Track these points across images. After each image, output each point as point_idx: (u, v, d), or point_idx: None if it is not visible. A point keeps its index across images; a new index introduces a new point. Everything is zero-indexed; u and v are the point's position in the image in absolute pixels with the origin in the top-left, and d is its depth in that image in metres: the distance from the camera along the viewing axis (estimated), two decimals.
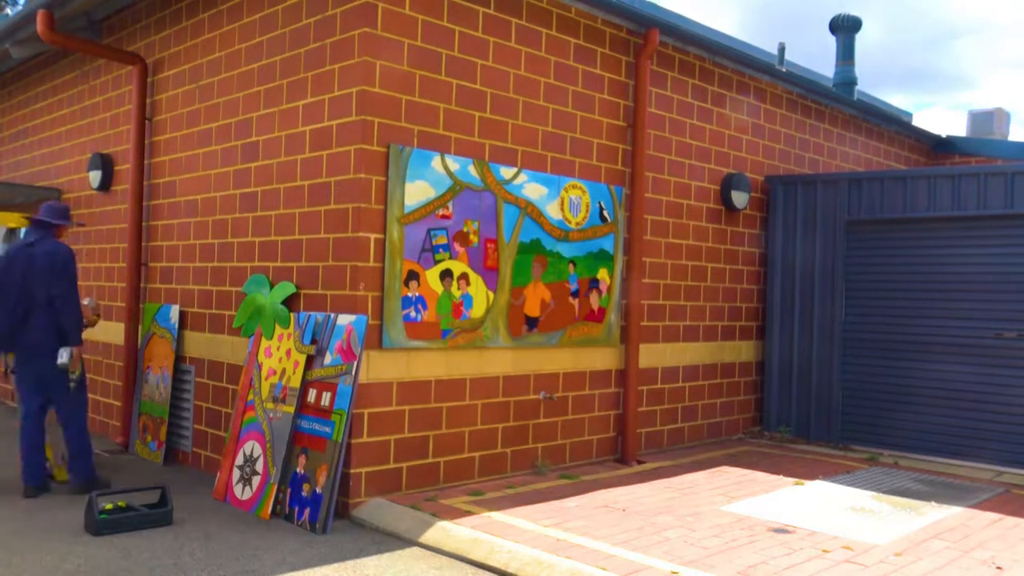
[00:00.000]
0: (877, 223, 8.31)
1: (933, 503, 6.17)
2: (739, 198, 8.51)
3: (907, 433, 8.06)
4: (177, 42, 7.39)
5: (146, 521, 5.24)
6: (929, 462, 7.72)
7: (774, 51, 11.28)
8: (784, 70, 9.39)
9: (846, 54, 12.11)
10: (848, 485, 6.68)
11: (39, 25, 7.46)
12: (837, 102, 9.97)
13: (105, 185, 8.26)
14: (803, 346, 8.63)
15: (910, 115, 14.75)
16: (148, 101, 7.70)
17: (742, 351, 8.84)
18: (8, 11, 26.68)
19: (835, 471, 7.20)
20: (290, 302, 6.14)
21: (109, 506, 5.27)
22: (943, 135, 12.00)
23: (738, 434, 8.79)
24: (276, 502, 5.65)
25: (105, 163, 8.21)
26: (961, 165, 10.82)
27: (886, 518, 5.72)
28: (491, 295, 6.40)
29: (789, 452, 8.05)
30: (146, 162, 7.71)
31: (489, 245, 6.39)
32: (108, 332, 8.13)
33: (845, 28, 12.13)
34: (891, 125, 11.05)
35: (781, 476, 6.91)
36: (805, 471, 7.14)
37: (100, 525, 5.09)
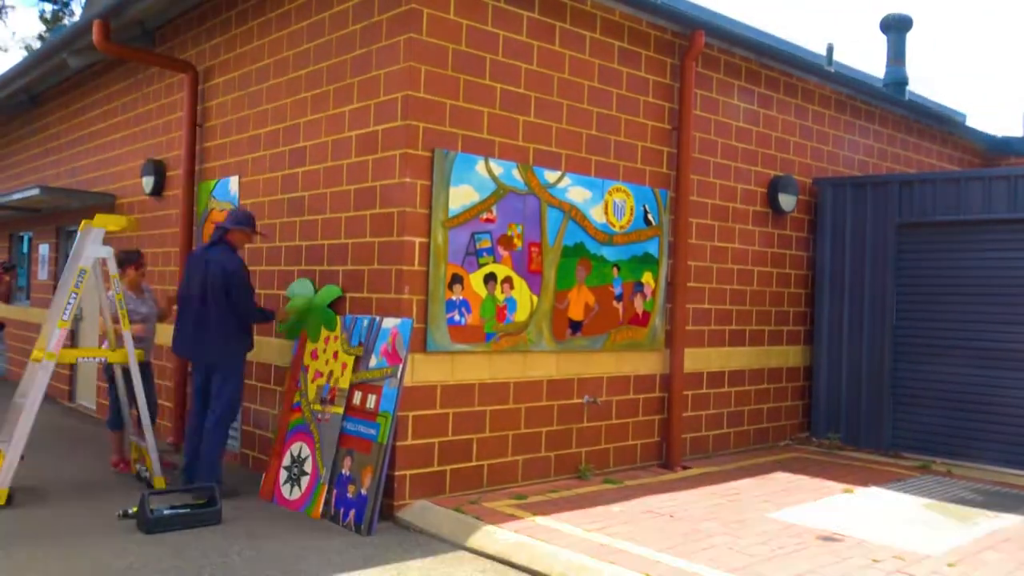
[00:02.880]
0: (930, 225, 8.13)
1: (989, 513, 6.02)
2: (786, 201, 8.40)
3: (961, 441, 7.85)
4: (227, 49, 7.54)
5: (196, 520, 5.34)
6: (984, 471, 7.51)
7: (822, 51, 11.12)
8: (832, 71, 9.23)
9: (897, 54, 11.87)
10: (899, 492, 6.54)
11: (95, 35, 7.68)
12: (887, 103, 9.78)
13: (157, 190, 8.45)
14: (852, 351, 8.47)
15: (964, 116, 14.40)
16: (199, 107, 7.86)
17: (789, 356, 8.71)
18: (66, 21, 27.43)
19: (886, 479, 7.06)
20: (336, 305, 6.22)
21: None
22: (998, 135, 11.70)
23: (785, 440, 8.65)
24: (325, 502, 5.72)
25: (157, 169, 8.40)
26: (1018, 166, 10.53)
27: (939, 528, 5.59)
28: (535, 299, 6.40)
29: (838, 459, 7.90)
30: (197, 167, 7.87)
31: (533, 249, 6.39)
32: (160, 334, 8.29)
33: (896, 27, 11.90)
34: (943, 126, 10.80)
35: (830, 483, 6.79)
36: (854, 478, 7.01)
37: (151, 524, 5.21)
